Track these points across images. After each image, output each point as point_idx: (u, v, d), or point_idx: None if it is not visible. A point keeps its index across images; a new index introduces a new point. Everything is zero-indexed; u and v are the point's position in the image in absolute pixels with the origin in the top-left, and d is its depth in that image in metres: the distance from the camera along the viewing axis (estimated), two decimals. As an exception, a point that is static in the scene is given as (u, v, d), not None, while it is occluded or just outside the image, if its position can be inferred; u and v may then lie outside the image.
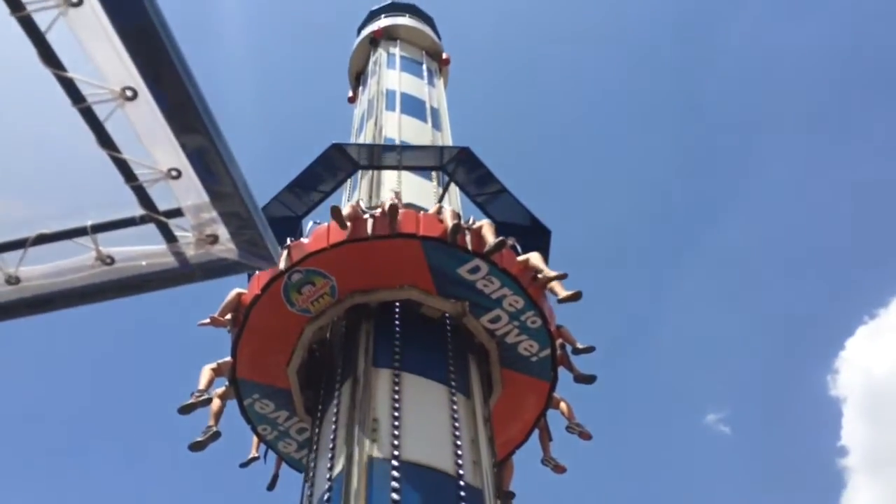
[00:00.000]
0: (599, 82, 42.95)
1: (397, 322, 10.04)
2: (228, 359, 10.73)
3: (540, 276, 10.49)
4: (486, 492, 8.36)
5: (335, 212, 10.12)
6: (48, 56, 2.35)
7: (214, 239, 2.66)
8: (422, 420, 8.68)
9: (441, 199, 12.78)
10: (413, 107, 16.47)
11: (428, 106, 16.88)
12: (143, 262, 2.69)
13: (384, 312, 10.23)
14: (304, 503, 8.90)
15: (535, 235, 12.87)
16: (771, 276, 37.85)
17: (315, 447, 9.34)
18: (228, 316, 10.62)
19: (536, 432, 11.55)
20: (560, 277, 10.42)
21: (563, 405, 11.56)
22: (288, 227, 13.00)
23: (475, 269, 10.21)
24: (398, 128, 15.28)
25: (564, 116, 43.28)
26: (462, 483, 8.07)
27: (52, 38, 2.33)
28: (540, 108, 44.70)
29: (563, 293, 10.24)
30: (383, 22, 20.58)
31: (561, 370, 11.02)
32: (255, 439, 11.66)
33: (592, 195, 40.65)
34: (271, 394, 10.95)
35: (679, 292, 37.63)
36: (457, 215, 10.68)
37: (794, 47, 39.72)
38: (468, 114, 37.87)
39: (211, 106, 2.50)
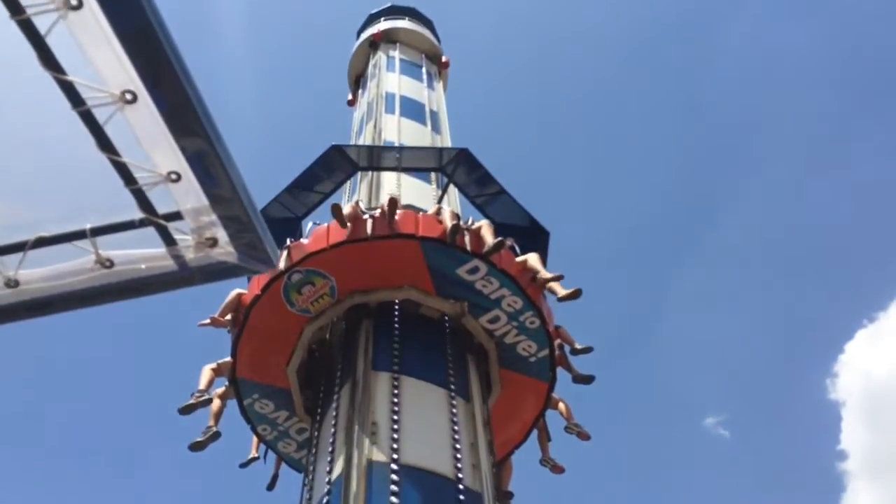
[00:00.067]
0: (599, 82, 43.00)
1: (396, 323, 10.05)
2: (228, 359, 10.76)
3: (538, 276, 10.51)
4: (485, 495, 8.36)
5: (336, 210, 10.17)
6: (48, 59, 2.35)
7: (214, 242, 2.67)
8: (421, 423, 8.68)
9: (440, 201, 12.81)
10: (412, 110, 16.49)
11: (427, 109, 16.90)
12: (143, 266, 2.69)
13: (383, 313, 10.24)
14: (302, 506, 8.92)
15: (534, 236, 12.90)
16: (770, 278, 37.85)
17: (314, 450, 9.34)
18: (228, 316, 10.65)
19: (535, 432, 11.57)
20: (557, 279, 10.45)
21: (561, 405, 11.59)
22: (288, 228, 13.01)
23: (474, 270, 10.23)
24: (398, 131, 15.30)
25: (564, 117, 43.33)
26: (461, 487, 8.07)
27: (52, 42, 2.33)
28: (539, 108, 44.74)
29: (562, 292, 10.27)
30: (383, 25, 20.60)
31: (560, 370, 11.04)
32: (254, 439, 11.68)
33: (592, 196, 40.68)
34: (271, 394, 10.97)
35: (678, 294, 37.67)
36: (456, 216, 10.71)
37: (794, 47, 39.78)
38: (467, 114, 37.93)
39: (210, 109, 2.50)
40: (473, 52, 42.16)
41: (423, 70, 19.03)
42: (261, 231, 2.69)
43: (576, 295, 10.18)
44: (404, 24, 20.75)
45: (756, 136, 39.14)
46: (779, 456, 34.37)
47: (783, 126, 38.78)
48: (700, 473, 35.02)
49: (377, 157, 13.94)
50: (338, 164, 13.65)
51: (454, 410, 8.97)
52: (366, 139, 15.77)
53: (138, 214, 2.64)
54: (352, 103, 20.27)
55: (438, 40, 21.19)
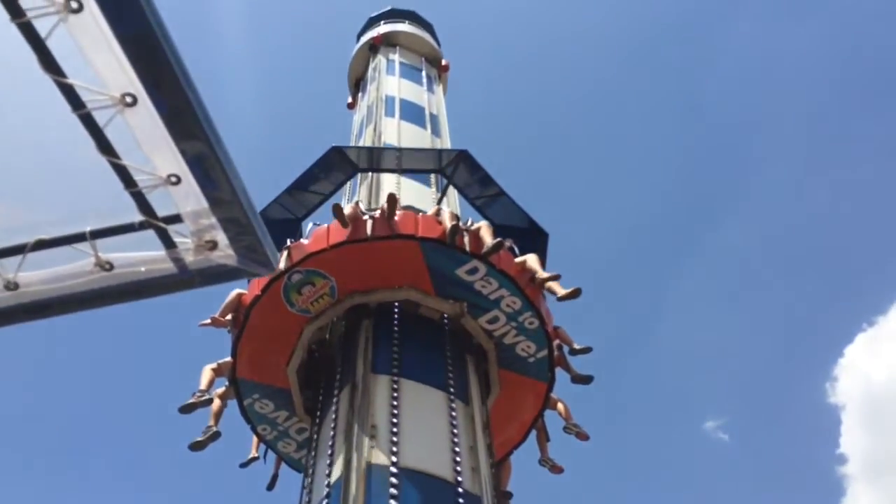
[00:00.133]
0: (599, 82, 42.99)
1: (396, 325, 10.06)
2: (228, 359, 10.78)
3: (536, 277, 10.53)
4: (484, 498, 8.36)
5: (337, 210, 10.20)
6: (48, 62, 2.35)
7: (213, 245, 2.67)
8: (420, 426, 8.69)
9: (440, 202, 12.83)
10: (412, 113, 16.51)
11: (427, 112, 16.92)
12: (142, 268, 2.69)
13: (383, 314, 10.25)
14: (302, 509, 8.93)
15: (533, 238, 12.90)
16: (769, 281, 37.82)
17: (313, 452, 9.35)
18: (229, 316, 10.67)
19: (534, 433, 11.59)
20: (554, 278, 10.47)
21: (560, 406, 11.62)
22: (288, 229, 13.03)
23: (473, 270, 10.25)
24: (397, 134, 15.32)
25: (564, 117, 43.32)
26: (460, 490, 8.07)
27: (52, 45, 2.33)
28: (539, 109, 44.73)
29: (561, 291, 10.29)
30: (383, 28, 20.62)
31: (558, 371, 11.06)
32: (254, 439, 11.70)
33: (591, 196, 40.64)
34: (271, 394, 10.99)
35: (678, 296, 37.62)
36: (455, 217, 10.73)
37: (794, 47, 39.78)
38: (467, 114, 37.88)
39: (210, 111, 2.50)
40: (473, 53, 42.23)
41: (423, 73, 19.05)
42: (260, 234, 2.69)
43: (575, 294, 10.20)
44: (404, 27, 20.77)
45: (756, 136, 39.17)
46: (779, 459, 34.34)
47: (783, 126, 38.81)
48: (700, 477, 35.06)
49: (377, 159, 13.95)
50: (338, 166, 13.66)
51: (453, 413, 8.98)
52: (366, 142, 15.79)
53: (138, 217, 2.64)
54: (352, 106, 20.28)
55: (438, 44, 21.22)
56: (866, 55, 38.09)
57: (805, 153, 38.84)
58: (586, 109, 43.49)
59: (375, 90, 17.73)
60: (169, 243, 2.69)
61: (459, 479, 8.18)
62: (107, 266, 2.68)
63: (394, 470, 7.92)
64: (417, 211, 11.51)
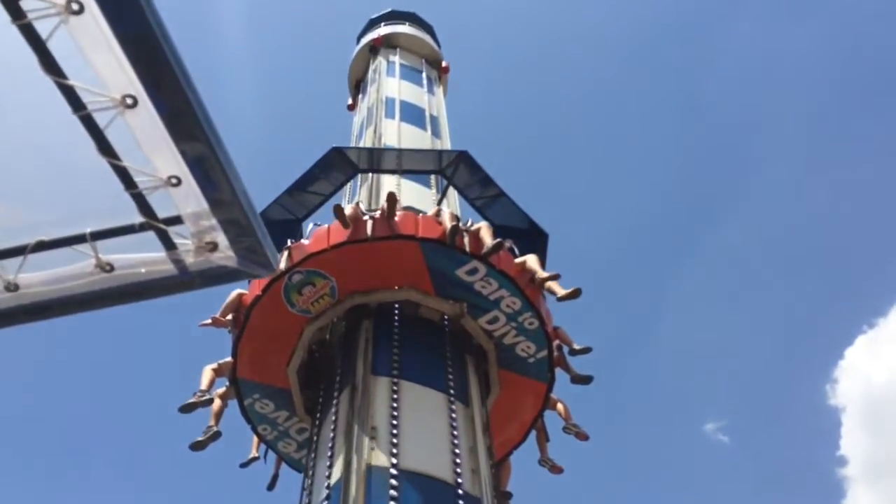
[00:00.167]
0: (599, 82, 42.99)
1: (396, 326, 10.06)
2: (229, 359, 10.79)
3: (535, 276, 10.54)
4: (484, 500, 8.36)
5: (338, 211, 10.22)
6: (49, 64, 2.36)
7: (214, 246, 2.67)
8: (420, 428, 8.69)
9: (440, 203, 12.84)
10: (412, 115, 16.51)
11: (427, 114, 16.92)
12: (143, 270, 2.70)
13: (383, 315, 10.25)
14: (302, 511, 8.93)
15: (533, 239, 12.90)
16: (769, 282, 37.81)
17: (313, 454, 9.35)
18: (229, 316, 10.68)
19: (534, 433, 11.60)
20: (553, 277, 10.48)
21: (560, 406, 11.63)
22: (288, 229, 13.03)
23: (473, 271, 10.25)
24: (398, 135, 15.32)
25: (564, 118, 43.31)
26: (460, 492, 8.07)
27: (53, 46, 2.34)
28: (539, 109, 44.72)
29: (561, 292, 10.29)
30: (383, 30, 20.61)
31: (558, 371, 11.06)
32: (255, 439, 11.71)
33: (591, 197, 40.63)
34: (271, 394, 11.00)
35: (677, 297, 37.59)
36: (455, 217, 10.73)
37: (794, 47, 39.78)
38: (467, 115, 37.84)
39: (211, 113, 2.51)
40: (473, 53, 42.22)
41: (424, 75, 19.05)
42: (261, 235, 2.69)
43: (575, 294, 10.20)
44: (405, 29, 20.77)
45: (756, 136, 39.16)
46: (779, 461, 34.32)
47: (783, 126, 38.81)
48: (700, 479, 35.02)
49: (377, 159, 13.96)
50: (338, 166, 13.66)
51: (453, 415, 8.97)
52: (366, 144, 15.79)
53: (138, 218, 2.64)
54: (352, 108, 20.28)
55: (439, 45, 21.22)
56: (866, 55, 38.11)
57: (805, 153, 38.87)
58: (586, 109, 43.52)
59: (376, 92, 17.73)
60: (169, 245, 2.70)
61: (459, 480, 8.17)
62: (107, 267, 2.68)
63: (394, 472, 7.91)
64: (418, 212, 11.51)
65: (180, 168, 2.53)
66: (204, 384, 10.47)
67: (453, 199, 14.04)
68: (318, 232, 10.59)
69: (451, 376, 9.57)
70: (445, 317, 10.46)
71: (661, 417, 35.64)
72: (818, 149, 38.94)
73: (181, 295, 2.83)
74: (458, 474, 8.22)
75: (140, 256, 2.72)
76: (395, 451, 8.15)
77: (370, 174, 14.06)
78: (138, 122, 2.44)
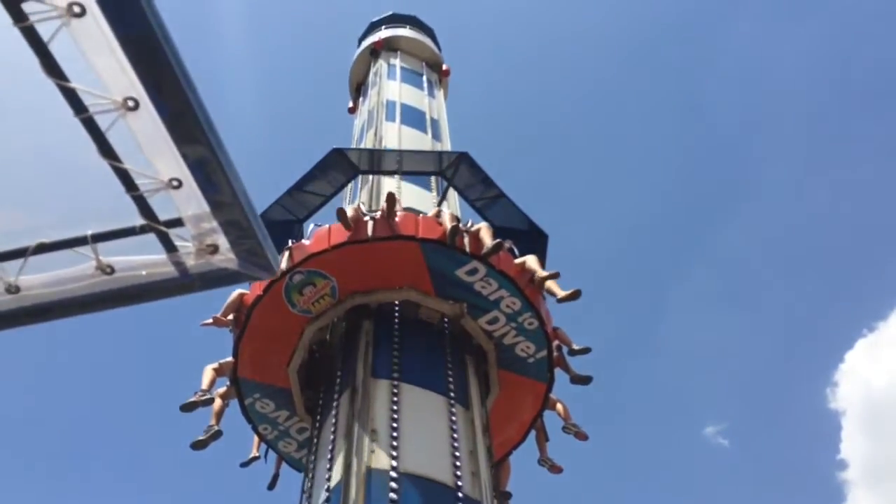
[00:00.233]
0: (599, 82, 42.99)
1: (396, 328, 10.06)
2: (230, 359, 10.81)
3: (535, 276, 10.54)
4: (484, 503, 8.34)
5: (341, 214, 10.24)
6: (51, 66, 2.36)
7: (214, 249, 2.67)
8: (420, 431, 8.68)
9: (440, 204, 12.84)
10: (413, 117, 16.52)
11: (428, 117, 16.94)
12: (143, 272, 2.70)
13: (383, 317, 10.25)
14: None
15: (533, 240, 12.92)
16: (769, 285, 37.77)
17: (313, 456, 9.34)
18: (230, 316, 10.69)
19: (533, 433, 11.60)
20: (553, 276, 10.48)
21: (559, 406, 11.64)
22: (289, 230, 13.06)
23: (473, 271, 10.26)
24: (398, 138, 15.33)
25: (564, 118, 43.32)
26: (460, 494, 8.05)
27: (55, 49, 2.34)
28: (539, 110, 44.72)
29: (561, 293, 10.29)
30: (384, 33, 20.64)
31: (558, 371, 11.07)
32: (255, 439, 11.72)
33: (591, 198, 40.65)
34: (272, 393, 11.01)
35: (677, 299, 37.61)
36: (455, 218, 10.74)
37: (794, 48, 39.79)
38: (467, 116, 37.86)
39: (212, 115, 2.51)
40: (473, 54, 42.25)
41: (424, 78, 19.07)
42: (261, 237, 2.69)
43: (575, 296, 10.20)
44: (405, 32, 20.79)
45: (756, 137, 39.14)
46: (779, 465, 34.31)
47: (783, 127, 38.78)
48: (700, 482, 34.94)
49: (378, 161, 13.98)
50: (339, 167, 13.68)
51: (453, 418, 8.96)
52: (366, 146, 15.79)
53: (139, 221, 2.65)
54: (352, 111, 20.30)
55: (439, 48, 21.24)
56: (866, 55, 38.15)
57: (805, 154, 38.89)
58: (586, 110, 43.54)
59: (376, 94, 17.74)
60: (170, 247, 2.70)
61: (459, 483, 8.16)
62: (108, 270, 2.68)
63: (394, 474, 7.90)
64: (418, 213, 11.52)
65: (181, 170, 2.53)
66: (205, 384, 10.49)
67: (453, 201, 14.05)
68: (319, 232, 10.61)
69: (451, 378, 9.56)
70: (445, 317, 10.47)
71: (661, 420, 35.66)
72: (818, 150, 38.98)
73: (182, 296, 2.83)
74: (459, 477, 8.21)
75: (141, 259, 2.72)
76: (395, 453, 8.13)
77: (371, 176, 14.08)
78: (140, 125, 2.45)
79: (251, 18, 40.62)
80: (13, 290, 2.69)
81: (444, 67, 20.53)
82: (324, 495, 8.23)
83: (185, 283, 2.73)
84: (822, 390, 40.41)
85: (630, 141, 41.00)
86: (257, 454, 11.75)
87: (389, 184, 13.51)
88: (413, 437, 8.49)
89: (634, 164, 40.61)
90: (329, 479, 8.36)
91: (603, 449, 32.91)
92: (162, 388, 32.28)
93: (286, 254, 10.33)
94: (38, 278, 2.71)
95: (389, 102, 16.95)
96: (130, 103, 2.41)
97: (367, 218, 10.44)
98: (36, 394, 30.93)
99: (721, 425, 36.66)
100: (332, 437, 8.93)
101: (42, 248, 2.64)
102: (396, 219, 10.39)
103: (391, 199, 10.47)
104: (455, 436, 8.70)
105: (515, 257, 10.88)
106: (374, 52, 20.08)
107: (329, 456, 8.70)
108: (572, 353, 11.01)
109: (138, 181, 2.56)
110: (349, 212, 10.44)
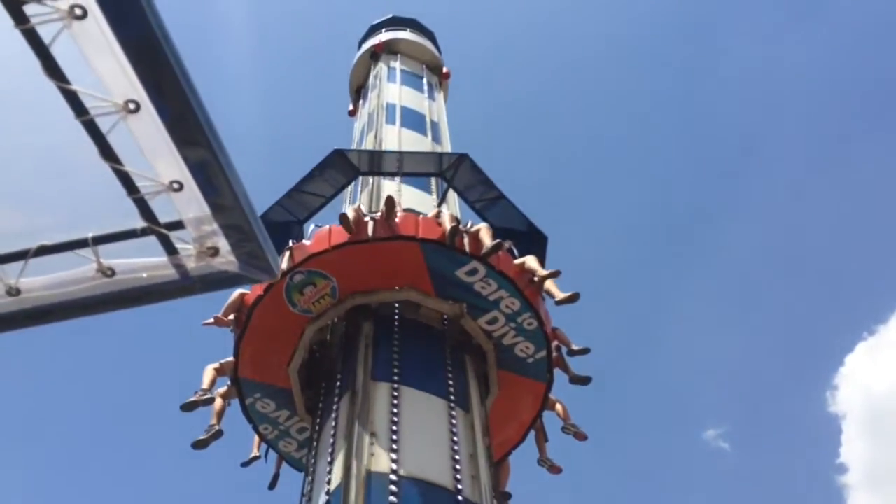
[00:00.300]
0: (599, 83, 42.97)
1: (396, 330, 10.06)
2: (230, 359, 10.83)
3: (535, 276, 10.55)
4: (484, 506, 8.35)
5: (344, 219, 10.28)
6: (52, 68, 2.36)
7: (215, 251, 2.67)
8: (420, 434, 8.67)
9: (440, 205, 12.85)
10: (413, 120, 16.53)
11: (428, 119, 16.95)
12: (144, 275, 2.70)
13: (383, 318, 10.25)
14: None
15: (533, 241, 12.93)
16: (770, 288, 37.70)
17: (313, 459, 9.34)
18: (231, 316, 10.70)
19: (533, 433, 11.61)
20: (553, 275, 10.49)
21: (558, 406, 11.66)
22: (289, 231, 13.09)
23: (473, 272, 10.27)
24: (398, 141, 15.34)
25: (563, 120, 43.29)
26: (460, 498, 8.04)
27: (56, 51, 2.34)
28: (539, 111, 44.68)
29: (560, 295, 10.29)
30: (384, 36, 20.65)
31: (557, 372, 11.08)
32: (256, 438, 11.74)
33: (591, 199, 40.64)
34: (272, 393, 11.03)
35: (677, 302, 37.46)
36: (455, 219, 10.76)
37: (795, 49, 39.76)
38: (467, 117, 37.85)
39: (213, 118, 2.51)
40: (473, 55, 42.21)
41: (424, 81, 19.08)
42: (262, 240, 2.69)
43: (573, 299, 10.20)
44: (406, 35, 20.80)
45: (756, 139, 39.14)
46: (779, 469, 34.23)
47: (783, 128, 38.78)
48: (700, 486, 34.89)
49: (378, 162, 14.00)
50: (339, 168, 13.71)
51: (453, 421, 8.95)
52: (366, 149, 15.78)
53: (140, 223, 2.64)
54: (353, 113, 20.31)
55: (439, 51, 21.26)
56: (867, 58, 38.13)
57: (806, 158, 38.86)
58: (586, 111, 43.51)
59: (376, 97, 17.75)
60: (171, 249, 2.70)
61: (459, 486, 8.14)
62: (108, 272, 2.68)
63: (393, 478, 7.88)
64: (418, 214, 11.53)
65: (182, 173, 2.53)
66: (205, 383, 10.51)
67: (453, 202, 14.07)
68: (320, 233, 10.63)
69: (451, 381, 9.56)
70: (445, 317, 10.47)
71: (661, 423, 35.61)
72: (819, 151, 38.96)
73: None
74: (458, 480, 8.20)
75: (141, 261, 2.72)
76: (395, 456, 8.12)
77: (371, 179, 14.10)
78: (141, 127, 2.45)
79: (252, 21, 40.64)
80: (14, 292, 2.68)
81: (445, 70, 20.55)
82: (324, 498, 8.22)
83: (185, 285, 2.72)
84: (822, 394, 40.43)
85: (630, 142, 41.05)
86: (258, 454, 11.78)
87: (390, 186, 13.53)
88: (413, 441, 8.48)
89: (634, 165, 40.66)
90: (329, 483, 8.35)
91: (603, 452, 32.89)
92: (162, 388, 32.29)
93: (287, 254, 10.37)
94: (39, 280, 2.71)
95: (389, 105, 16.97)
96: (131, 105, 2.40)
97: (367, 218, 10.45)
98: (37, 395, 30.97)
99: (721, 429, 36.68)
100: (331, 440, 8.92)
101: (43, 251, 2.63)
102: (396, 219, 10.41)
103: (390, 202, 10.49)
104: (455, 439, 8.69)
105: (515, 258, 10.89)
106: (375, 54, 20.09)
107: (329, 459, 8.69)
108: (571, 353, 11.03)
109: (139, 183, 2.56)
110: (350, 212, 10.46)
